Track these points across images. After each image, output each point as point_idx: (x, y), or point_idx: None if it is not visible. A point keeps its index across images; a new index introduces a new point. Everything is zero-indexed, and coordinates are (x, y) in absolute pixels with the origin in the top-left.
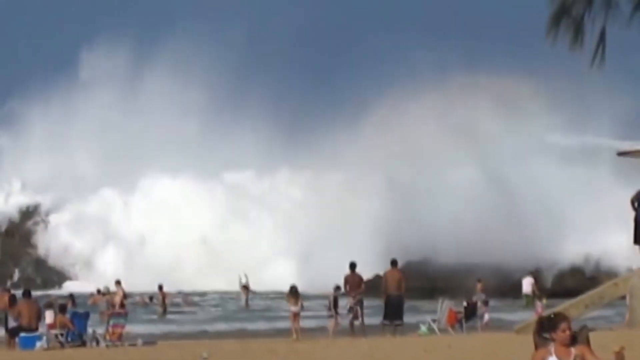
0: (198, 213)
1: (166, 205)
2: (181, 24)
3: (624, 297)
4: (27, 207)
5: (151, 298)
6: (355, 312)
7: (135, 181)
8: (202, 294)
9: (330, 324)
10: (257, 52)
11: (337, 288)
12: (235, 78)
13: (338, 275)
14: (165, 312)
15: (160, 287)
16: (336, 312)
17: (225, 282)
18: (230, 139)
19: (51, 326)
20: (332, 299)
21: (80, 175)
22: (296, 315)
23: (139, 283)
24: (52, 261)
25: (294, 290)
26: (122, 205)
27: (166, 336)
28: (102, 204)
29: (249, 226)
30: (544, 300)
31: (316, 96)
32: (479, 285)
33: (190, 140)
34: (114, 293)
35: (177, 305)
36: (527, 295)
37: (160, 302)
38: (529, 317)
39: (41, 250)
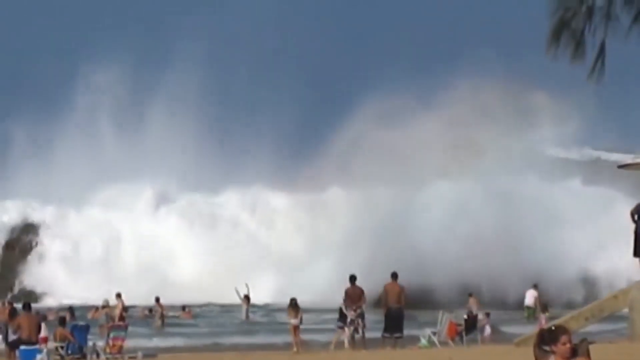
0: (190, 237)
1: (160, 234)
2: (180, 44)
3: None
4: (26, 222)
5: (150, 310)
6: (356, 324)
7: (128, 209)
8: (206, 305)
9: (335, 335)
10: (255, 80)
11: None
12: (234, 105)
13: (324, 289)
14: (163, 324)
15: (157, 299)
16: (344, 324)
17: (219, 295)
18: (225, 159)
19: (43, 339)
20: (345, 308)
21: (74, 198)
22: (296, 328)
23: (136, 297)
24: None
25: (294, 303)
26: (117, 234)
27: (167, 349)
28: (96, 231)
29: (237, 243)
30: (547, 313)
31: (312, 112)
32: (471, 300)
33: (187, 162)
34: (114, 306)
35: (176, 317)
36: (528, 308)
37: (159, 315)
38: (530, 329)
39: (31, 284)
